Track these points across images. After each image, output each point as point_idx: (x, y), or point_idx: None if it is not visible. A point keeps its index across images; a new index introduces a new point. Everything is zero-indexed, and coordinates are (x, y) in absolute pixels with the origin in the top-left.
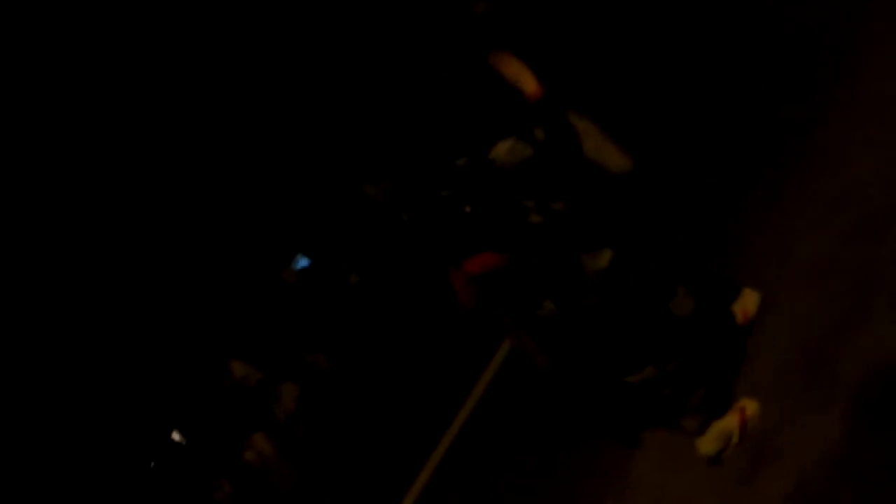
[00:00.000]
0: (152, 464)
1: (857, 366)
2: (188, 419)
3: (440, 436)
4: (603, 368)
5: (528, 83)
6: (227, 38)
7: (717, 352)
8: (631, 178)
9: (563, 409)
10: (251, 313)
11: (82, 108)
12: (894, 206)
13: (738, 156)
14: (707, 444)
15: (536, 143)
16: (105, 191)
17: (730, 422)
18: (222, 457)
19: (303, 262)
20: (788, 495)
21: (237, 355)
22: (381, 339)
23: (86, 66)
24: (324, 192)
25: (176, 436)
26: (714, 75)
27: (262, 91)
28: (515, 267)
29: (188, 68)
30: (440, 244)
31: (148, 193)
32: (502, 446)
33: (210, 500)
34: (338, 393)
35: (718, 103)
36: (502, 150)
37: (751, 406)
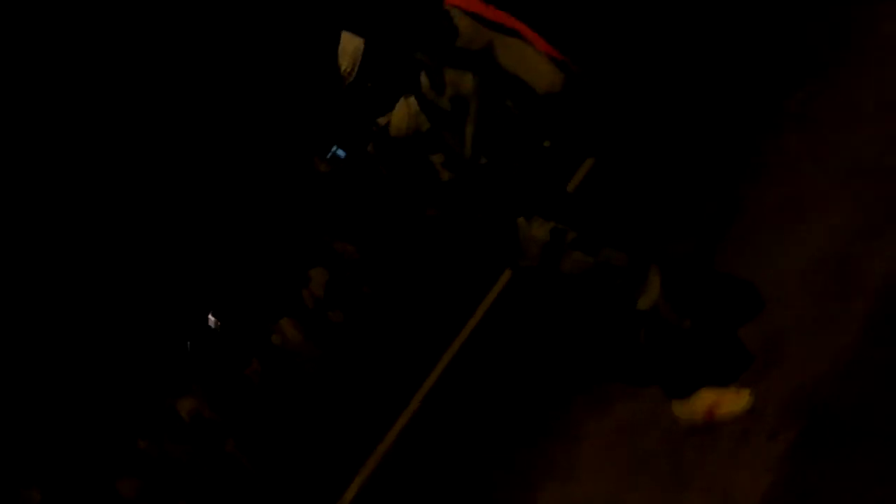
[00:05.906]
0: (189, 344)
1: (882, 272)
2: (222, 304)
3: (464, 323)
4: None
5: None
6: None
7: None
8: (563, 98)
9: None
10: (285, 200)
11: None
12: None
13: (781, 57)
14: (679, 409)
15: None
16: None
17: (701, 402)
18: (253, 338)
19: (339, 153)
20: (793, 394)
21: (266, 242)
22: (411, 230)
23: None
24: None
25: (211, 319)
26: None
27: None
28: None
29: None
30: None
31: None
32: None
33: (241, 375)
34: (365, 281)
35: (760, 4)
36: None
37: (726, 402)
